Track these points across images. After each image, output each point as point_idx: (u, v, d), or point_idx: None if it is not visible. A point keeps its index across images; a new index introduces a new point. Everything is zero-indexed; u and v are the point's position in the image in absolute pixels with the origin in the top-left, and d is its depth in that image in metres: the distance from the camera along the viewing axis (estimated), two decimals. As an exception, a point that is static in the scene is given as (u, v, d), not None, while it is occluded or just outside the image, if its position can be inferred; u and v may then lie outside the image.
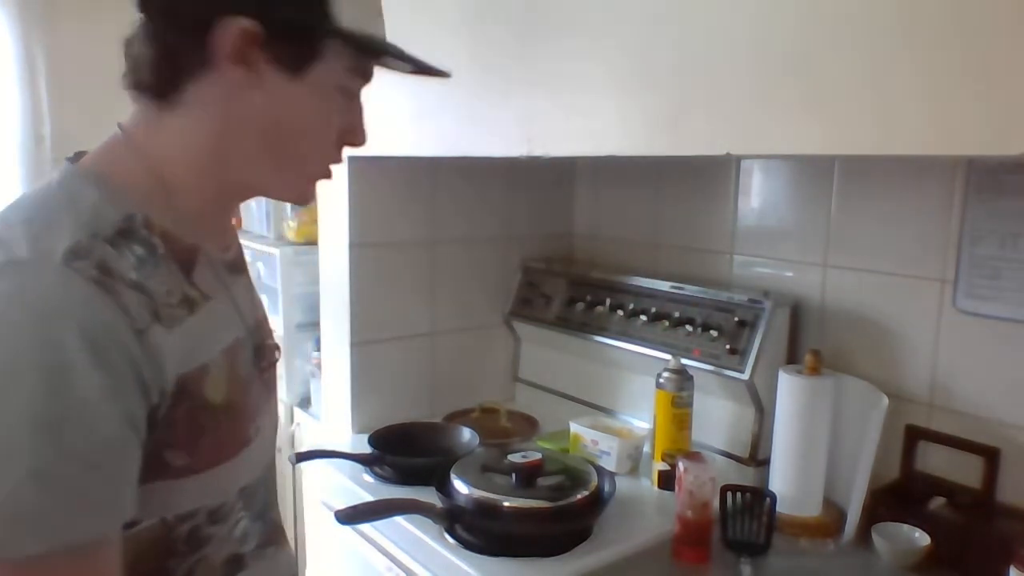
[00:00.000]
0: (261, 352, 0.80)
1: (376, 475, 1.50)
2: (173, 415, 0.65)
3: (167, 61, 0.68)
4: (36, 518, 0.56)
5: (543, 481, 1.29)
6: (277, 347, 0.85)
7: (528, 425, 1.77)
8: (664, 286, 1.61)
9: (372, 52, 0.74)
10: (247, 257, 0.87)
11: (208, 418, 0.68)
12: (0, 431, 0.55)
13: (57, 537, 0.56)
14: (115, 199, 0.66)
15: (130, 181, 0.68)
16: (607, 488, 1.32)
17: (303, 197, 0.80)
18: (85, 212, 0.64)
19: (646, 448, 1.55)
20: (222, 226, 0.80)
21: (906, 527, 1.21)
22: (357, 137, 0.77)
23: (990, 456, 1.24)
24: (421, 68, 0.79)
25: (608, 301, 1.69)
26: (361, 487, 1.47)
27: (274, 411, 0.86)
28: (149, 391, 0.62)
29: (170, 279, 0.67)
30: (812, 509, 1.32)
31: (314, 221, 1.87)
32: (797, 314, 1.48)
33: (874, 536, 1.20)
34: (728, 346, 1.43)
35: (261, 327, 0.83)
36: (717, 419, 1.51)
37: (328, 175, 0.78)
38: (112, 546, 0.62)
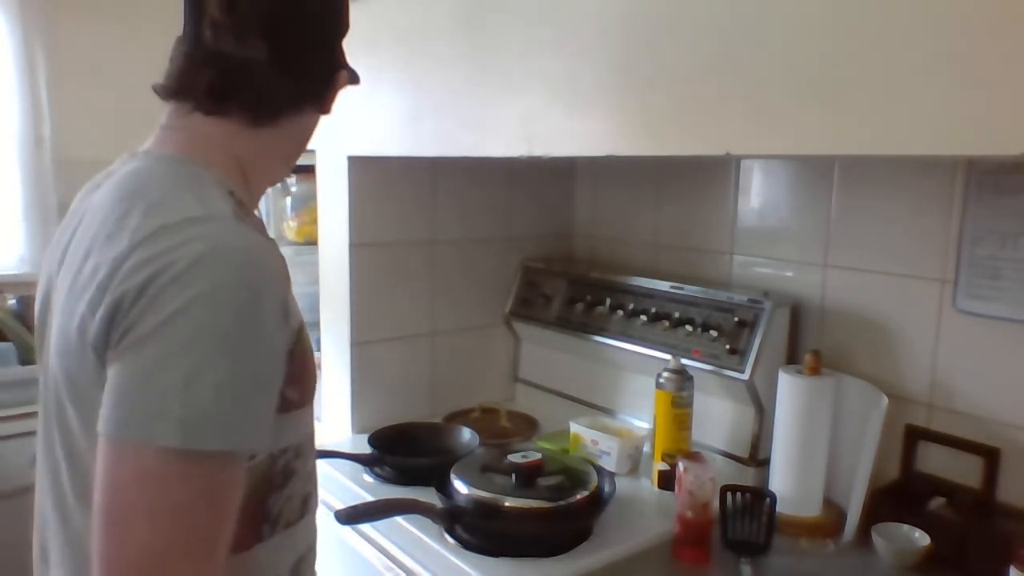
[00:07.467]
0: None
1: (376, 475, 1.50)
2: (294, 354, 0.75)
3: (277, 97, 0.82)
4: (216, 421, 0.64)
5: (543, 481, 1.29)
6: None
7: (528, 425, 1.77)
8: (664, 286, 1.61)
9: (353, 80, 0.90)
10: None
11: (309, 359, 0.80)
12: (198, 346, 0.64)
13: (229, 441, 0.66)
14: (222, 182, 0.79)
15: (224, 170, 0.80)
16: (607, 488, 1.32)
17: None
18: (214, 189, 0.76)
19: (646, 448, 1.55)
20: None
21: (906, 527, 1.21)
22: None
23: (990, 456, 1.24)
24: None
25: (608, 301, 1.69)
26: (361, 487, 1.47)
27: None
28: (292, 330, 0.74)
29: None
30: (812, 509, 1.32)
31: (314, 221, 1.87)
32: (797, 314, 1.47)
33: (874, 536, 1.20)
34: (728, 346, 1.43)
35: None
36: (717, 419, 1.51)
37: None
38: (242, 462, 0.70)
